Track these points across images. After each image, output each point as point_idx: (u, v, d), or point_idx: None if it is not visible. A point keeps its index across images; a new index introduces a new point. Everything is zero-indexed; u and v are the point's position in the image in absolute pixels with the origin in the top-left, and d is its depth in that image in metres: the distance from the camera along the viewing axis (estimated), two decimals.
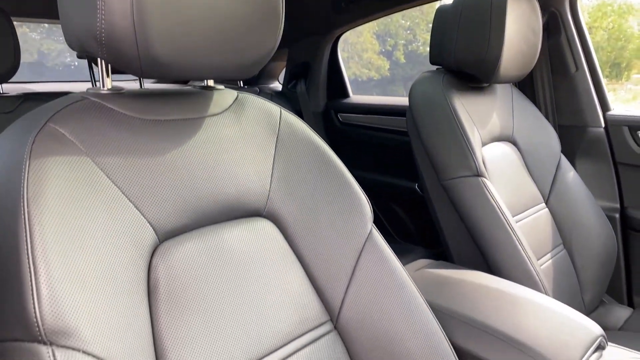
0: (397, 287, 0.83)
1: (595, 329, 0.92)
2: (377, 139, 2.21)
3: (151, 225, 0.65)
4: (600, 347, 0.92)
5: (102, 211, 0.59)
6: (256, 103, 0.85)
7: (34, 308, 0.49)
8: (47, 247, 0.52)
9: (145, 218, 0.64)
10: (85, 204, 0.58)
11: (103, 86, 0.69)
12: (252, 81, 2.84)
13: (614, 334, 1.36)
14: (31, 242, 0.51)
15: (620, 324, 1.46)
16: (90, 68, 1.65)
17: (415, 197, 2.09)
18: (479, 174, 1.23)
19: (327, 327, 0.79)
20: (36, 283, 0.50)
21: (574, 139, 1.74)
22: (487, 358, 0.86)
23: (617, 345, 0.97)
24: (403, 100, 2.21)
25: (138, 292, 0.60)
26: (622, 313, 1.51)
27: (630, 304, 1.65)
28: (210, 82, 0.83)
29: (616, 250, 1.60)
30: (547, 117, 1.77)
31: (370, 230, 0.86)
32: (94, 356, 0.51)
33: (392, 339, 0.79)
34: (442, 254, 1.14)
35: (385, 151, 2.19)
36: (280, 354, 0.71)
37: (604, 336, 0.93)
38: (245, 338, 0.68)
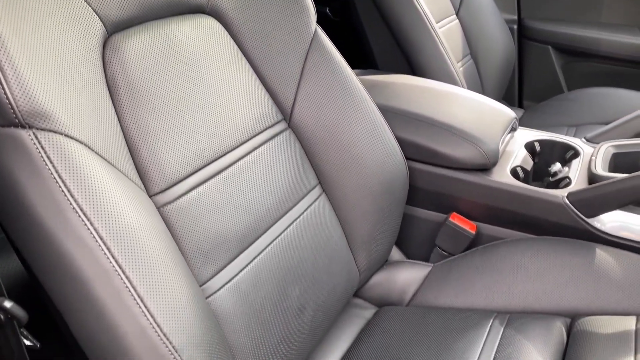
0: (345, 84, 0.86)
1: (511, 113, 1.05)
2: None
3: (97, 15, 0.58)
4: (513, 129, 1.06)
5: None
6: None
7: (3, 90, 0.45)
8: None
9: (89, 6, 0.57)
10: None
11: None
12: None
13: None
14: None
15: None
16: None
17: (327, 22, 2.05)
18: None
19: (282, 125, 0.81)
20: None
21: None
22: (424, 143, 0.95)
23: (523, 127, 1.12)
24: None
25: (98, 86, 0.57)
26: (515, 114, 1.71)
27: (521, 105, 1.88)
28: None
29: (514, 58, 1.75)
30: None
31: (315, 30, 0.85)
32: (76, 140, 0.48)
33: (343, 131, 0.84)
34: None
35: None
36: (243, 150, 0.73)
37: (516, 119, 1.06)
38: (209, 134, 0.68)
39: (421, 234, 1.01)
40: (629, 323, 0.72)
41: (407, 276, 0.94)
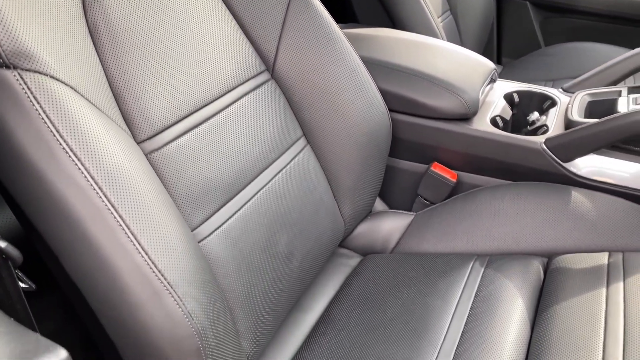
0: (327, 34, 0.85)
1: (490, 64, 1.06)
2: None
3: None
4: (492, 80, 1.08)
5: None
6: None
7: None
8: None
9: None
10: None
11: None
12: None
13: None
14: None
15: None
16: None
17: None
18: None
19: (266, 76, 0.81)
20: None
21: None
22: (406, 94, 0.96)
23: (502, 79, 1.14)
24: None
25: (80, 31, 0.56)
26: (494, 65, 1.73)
27: (499, 62, 1.89)
28: None
29: (493, 15, 1.76)
30: None
31: None
32: (62, 82, 0.48)
33: (326, 82, 0.84)
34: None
35: None
36: (226, 99, 0.73)
37: (495, 70, 1.08)
38: (192, 82, 0.68)
39: (404, 184, 1.03)
40: (602, 258, 0.76)
41: (390, 225, 0.96)
